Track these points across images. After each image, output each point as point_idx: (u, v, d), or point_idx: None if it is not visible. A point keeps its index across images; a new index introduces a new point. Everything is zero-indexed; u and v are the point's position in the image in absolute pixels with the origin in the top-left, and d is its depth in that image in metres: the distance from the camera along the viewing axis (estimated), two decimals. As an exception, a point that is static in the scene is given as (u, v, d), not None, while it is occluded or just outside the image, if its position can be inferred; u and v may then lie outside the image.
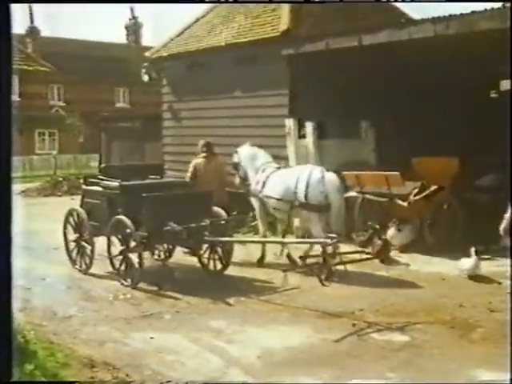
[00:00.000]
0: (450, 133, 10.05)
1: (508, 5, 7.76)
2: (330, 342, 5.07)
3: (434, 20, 7.97)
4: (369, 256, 6.85)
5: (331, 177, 7.33)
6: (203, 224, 6.92)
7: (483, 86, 11.47)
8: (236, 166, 8.31)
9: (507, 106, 8.52)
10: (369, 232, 7.32)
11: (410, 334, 5.25)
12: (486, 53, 8.82)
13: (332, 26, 10.40)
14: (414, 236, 8.36)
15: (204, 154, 8.44)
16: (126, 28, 36.23)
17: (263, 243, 7.82)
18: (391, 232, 8.20)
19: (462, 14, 7.76)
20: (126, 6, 49.36)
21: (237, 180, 8.33)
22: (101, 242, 7.31)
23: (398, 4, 12.89)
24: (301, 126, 9.84)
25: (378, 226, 7.24)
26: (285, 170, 7.81)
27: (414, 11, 13.83)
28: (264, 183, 7.72)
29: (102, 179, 7.67)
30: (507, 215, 5.58)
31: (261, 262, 7.80)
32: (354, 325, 5.44)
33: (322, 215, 7.24)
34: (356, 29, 9.38)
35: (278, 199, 7.52)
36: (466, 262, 7.03)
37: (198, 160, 8.43)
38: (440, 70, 9.76)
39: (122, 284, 6.86)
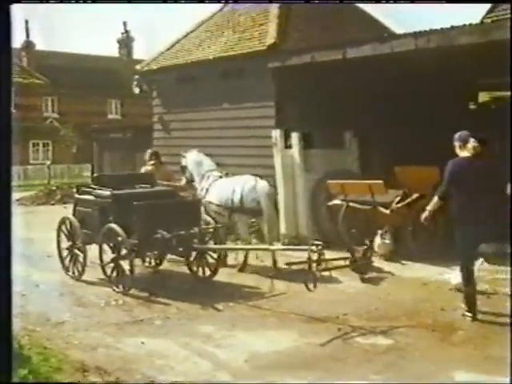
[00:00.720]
0: (432, 142, 10.24)
1: (486, 20, 8.02)
2: (316, 345, 5.12)
3: (416, 34, 8.17)
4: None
5: (263, 184, 7.93)
6: (192, 232, 7.04)
7: (463, 98, 11.73)
8: (183, 169, 8.86)
9: (485, 116, 8.77)
10: (365, 247, 7.72)
11: (393, 337, 5.32)
12: (465, 66, 9.06)
13: (317, 39, 10.65)
14: (397, 244, 8.51)
15: (152, 162, 9.04)
16: (119, 42, 36.44)
17: (247, 250, 7.95)
18: (377, 241, 8.37)
19: (442, 29, 7.94)
20: (118, 21, 49.71)
21: (183, 181, 8.89)
22: (93, 249, 7.37)
23: (381, 19, 13.32)
24: (287, 137, 9.91)
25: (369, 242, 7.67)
26: (226, 179, 8.34)
27: (394, 22, 14.17)
28: (207, 190, 8.31)
29: (94, 188, 7.73)
30: (429, 208, 5.94)
31: (243, 268, 7.94)
32: (339, 329, 5.51)
33: (255, 218, 8.02)
34: (340, 42, 9.58)
35: (218, 205, 8.11)
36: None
37: (148, 167, 9.01)
38: (422, 82, 9.94)
39: (114, 290, 6.90)
